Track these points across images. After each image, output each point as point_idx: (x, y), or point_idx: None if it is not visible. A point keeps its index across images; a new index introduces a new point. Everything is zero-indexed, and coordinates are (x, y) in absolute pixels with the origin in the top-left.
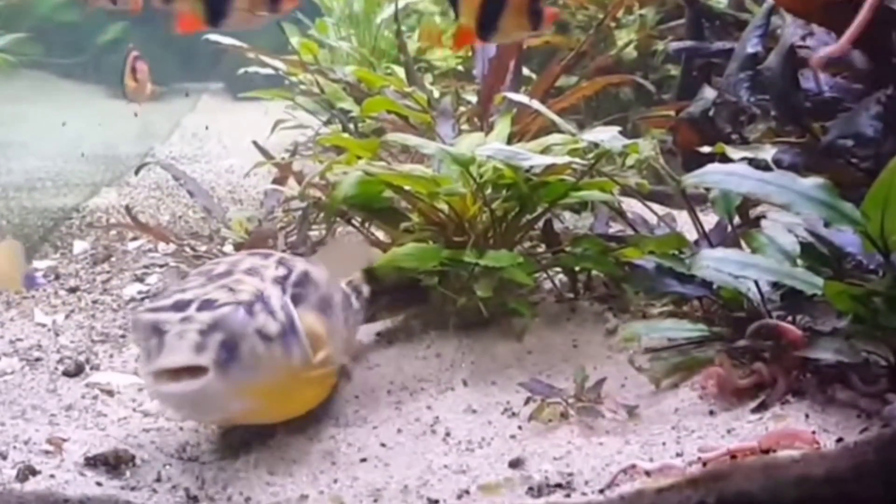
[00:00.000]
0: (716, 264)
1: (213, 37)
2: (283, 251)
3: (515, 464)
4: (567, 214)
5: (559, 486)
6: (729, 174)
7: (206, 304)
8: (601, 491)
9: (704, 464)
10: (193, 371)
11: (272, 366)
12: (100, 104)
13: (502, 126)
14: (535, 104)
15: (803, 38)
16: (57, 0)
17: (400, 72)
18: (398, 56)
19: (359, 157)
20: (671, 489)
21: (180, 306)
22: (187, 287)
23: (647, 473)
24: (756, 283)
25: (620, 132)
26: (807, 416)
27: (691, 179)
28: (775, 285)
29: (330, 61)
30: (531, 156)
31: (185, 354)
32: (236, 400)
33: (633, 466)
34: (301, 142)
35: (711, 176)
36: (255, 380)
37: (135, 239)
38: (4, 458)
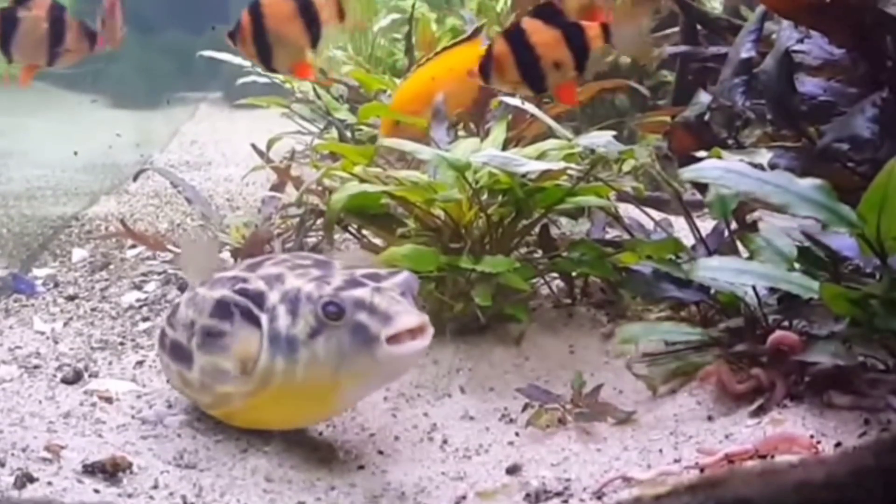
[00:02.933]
0: (712, 274)
1: (207, 53)
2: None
3: (513, 470)
4: (564, 220)
5: (557, 492)
6: (727, 171)
7: (375, 277)
8: (598, 497)
9: (702, 469)
10: (413, 332)
11: None
12: (99, 113)
13: (498, 131)
14: (531, 108)
15: (798, 41)
16: None
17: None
18: (394, 64)
19: (355, 164)
20: (669, 496)
21: (354, 283)
22: (326, 275)
23: (628, 480)
24: (754, 287)
25: (616, 137)
26: (805, 420)
27: (689, 174)
28: (772, 289)
29: (326, 68)
30: (526, 161)
31: (414, 315)
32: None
33: (628, 480)
34: (298, 150)
35: (709, 171)
36: None
37: (133, 247)
38: (2, 465)
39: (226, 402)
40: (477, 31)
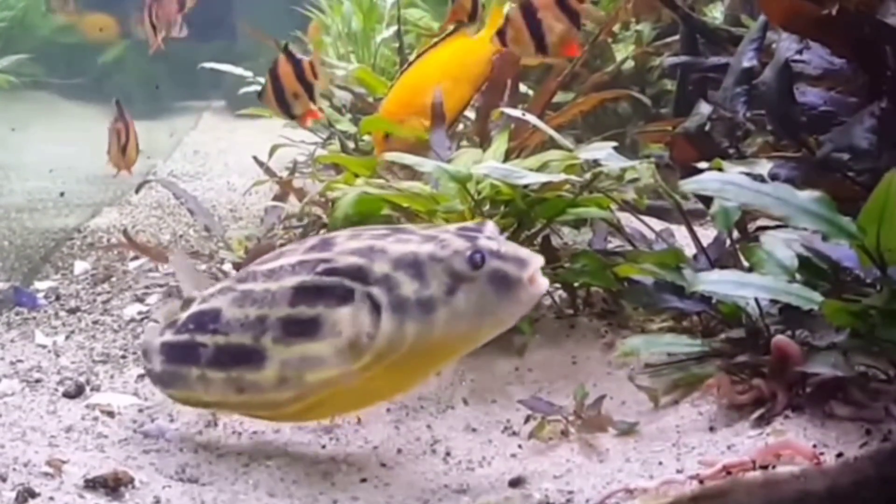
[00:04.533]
0: (713, 287)
1: (209, 64)
2: None
3: (516, 483)
4: (566, 230)
5: None
6: (727, 183)
7: (469, 229)
8: None
9: (701, 481)
10: None
11: None
12: (102, 124)
13: (499, 142)
14: (533, 119)
15: (798, 52)
16: (58, 22)
17: None
18: (395, 74)
19: (357, 175)
20: None
21: (466, 236)
22: (427, 236)
23: (631, 491)
24: (755, 298)
25: (618, 146)
26: (806, 431)
27: (690, 185)
28: (774, 300)
29: (329, 80)
30: (526, 173)
31: (538, 256)
32: None
33: (631, 491)
34: (301, 160)
35: (710, 183)
36: None
37: (135, 259)
38: (4, 480)
39: (318, 390)
40: (458, 27)
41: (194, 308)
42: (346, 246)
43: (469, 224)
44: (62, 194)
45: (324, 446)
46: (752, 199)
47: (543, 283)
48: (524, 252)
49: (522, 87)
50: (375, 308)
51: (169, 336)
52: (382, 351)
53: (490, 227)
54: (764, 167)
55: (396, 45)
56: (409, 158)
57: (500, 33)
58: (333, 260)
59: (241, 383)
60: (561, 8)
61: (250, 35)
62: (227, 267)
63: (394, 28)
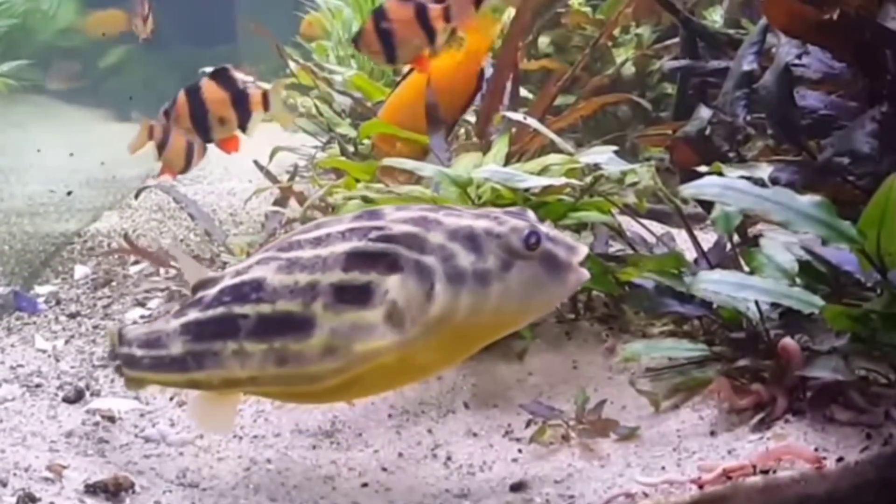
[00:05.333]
0: (713, 287)
1: (209, 69)
2: None
3: (517, 487)
4: (567, 234)
5: None
6: (727, 188)
7: (517, 213)
8: None
9: (701, 486)
10: None
11: None
12: (102, 128)
13: (500, 146)
14: (533, 122)
15: (798, 56)
16: (59, 26)
17: None
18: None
19: (357, 180)
20: None
21: (519, 216)
22: (481, 214)
23: (631, 496)
24: (756, 302)
25: (618, 150)
26: (807, 435)
27: (690, 190)
28: (774, 304)
29: (328, 84)
30: (527, 177)
31: (584, 246)
32: None
33: (631, 496)
34: (301, 165)
35: (709, 188)
36: None
37: (136, 263)
38: (4, 485)
39: (363, 361)
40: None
41: (227, 282)
42: (398, 215)
43: (511, 209)
44: (69, 193)
45: (324, 449)
46: (752, 204)
47: (586, 271)
48: (571, 239)
49: (522, 91)
50: (430, 278)
51: (195, 314)
52: (434, 322)
53: (532, 213)
54: (764, 171)
55: None
56: (409, 163)
57: (356, 39)
58: (387, 227)
59: (284, 354)
60: (419, 23)
61: (255, 32)
62: None
63: None
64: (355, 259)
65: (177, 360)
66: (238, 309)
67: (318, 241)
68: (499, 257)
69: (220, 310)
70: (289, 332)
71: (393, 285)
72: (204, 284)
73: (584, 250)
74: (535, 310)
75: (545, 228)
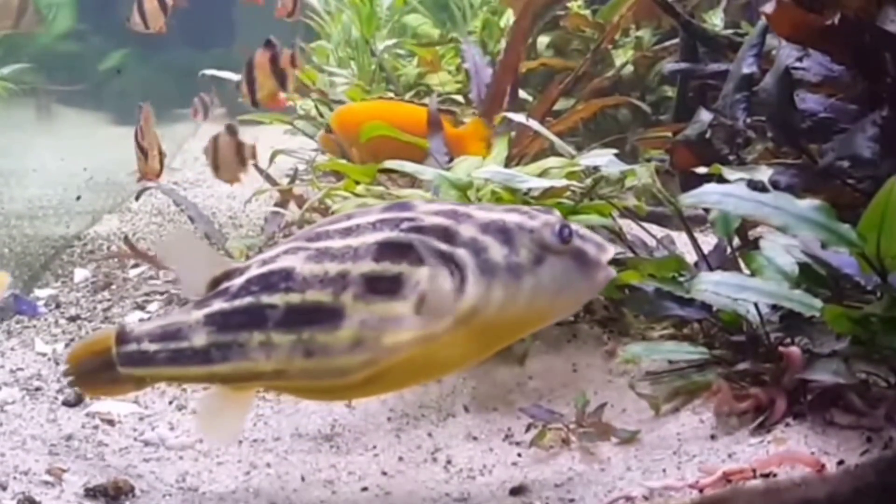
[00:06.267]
0: (713, 288)
1: (210, 72)
2: None
3: (517, 491)
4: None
5: None
6: (726, 195)
7: (543, 210)
8: None
9: (701, 489)
10: None
11: None
12: (102, 131)
13: (500, 148)
14: (534, 124)
15: (799, 59)
16: (58, 30)
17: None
18: (398, 79)
19: (357, 182)
20: None
21: (548, 211)
22: (508, 209)
23: (631, 500)
24: (756, 305)
25: (618, 152)
26: (807, 438)
27: (689, 199)
28: (774, 307)
29: (328, 86)
30: (528, 179)
31: (611, 245)
32: None
33: (631, 500)
34: (301, 168)
35: (709, 196)
36: None
37: (136, 266)
38: (4, 488)
39: (391, 354)
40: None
41: (254, 272)
42: (428, 207)
43: (538, 207)
44: (78, 198)
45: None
46: (751, 210)
47: (614, 270)
48: (600, 237)
49: (522, 94)
50: (461, 270)
51: (220, 305)
52: (465, 315)
53: (558, 212)
54: (764, 174)
55: (397, 52)
56: (409, 167)
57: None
58: (419, 219)
59: (312, 346)
60: (272, 69)
61: (240, 53)
62: None
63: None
64: (387, 249)
65: (199, 352)
66: (266, 299)
67: (348, 232)
68: (531, 251)
69: (247, 299)
70: (317, 323)
71: (424, 277)
72: (228, 275)
73: (611, 249)
74: (563, 306)
75: (575, 225)
